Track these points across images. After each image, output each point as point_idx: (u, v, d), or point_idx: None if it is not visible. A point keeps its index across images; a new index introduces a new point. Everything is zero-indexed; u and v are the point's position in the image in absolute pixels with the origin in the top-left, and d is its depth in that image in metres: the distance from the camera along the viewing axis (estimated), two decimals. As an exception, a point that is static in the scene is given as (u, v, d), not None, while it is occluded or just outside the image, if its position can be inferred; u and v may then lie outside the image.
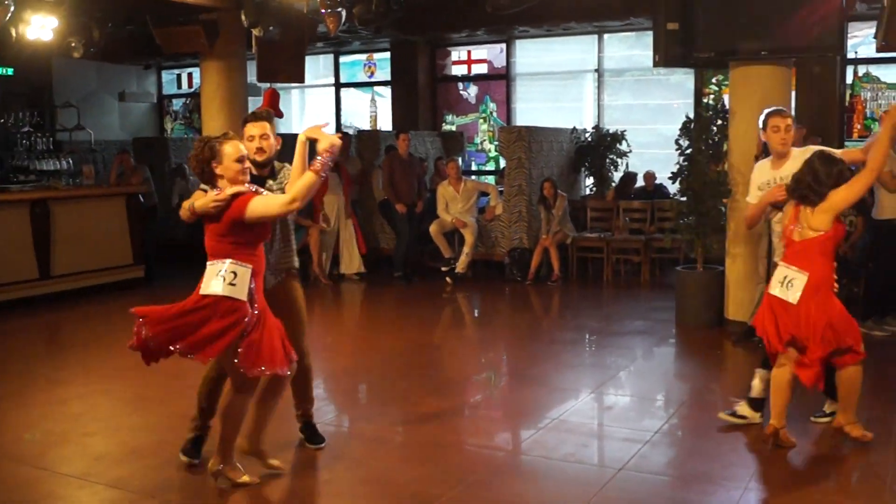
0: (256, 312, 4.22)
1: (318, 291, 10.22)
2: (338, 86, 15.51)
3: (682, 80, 12.54)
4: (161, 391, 6.19)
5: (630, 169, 11.92)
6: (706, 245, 8.07)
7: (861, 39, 11.10)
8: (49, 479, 4.65)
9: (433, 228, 10.88)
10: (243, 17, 9.43)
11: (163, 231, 12.70)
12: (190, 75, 16.91)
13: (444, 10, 12.44)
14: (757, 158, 6.43)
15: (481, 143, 14.27)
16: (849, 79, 11.34)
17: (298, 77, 10.61)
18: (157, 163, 13.32)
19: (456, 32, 13.27)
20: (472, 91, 14.31)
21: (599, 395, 6.07)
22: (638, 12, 11.40)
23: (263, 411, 4.52)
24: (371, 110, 15.32)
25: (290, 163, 4.52)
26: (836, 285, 4.74)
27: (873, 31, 9.12)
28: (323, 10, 8.83)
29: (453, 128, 14.31)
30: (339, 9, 8.81)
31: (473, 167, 14.27)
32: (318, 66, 15.48)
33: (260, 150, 4.63)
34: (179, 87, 17.33)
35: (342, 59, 15.40)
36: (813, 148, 5.10)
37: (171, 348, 4.24)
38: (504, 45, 13.84)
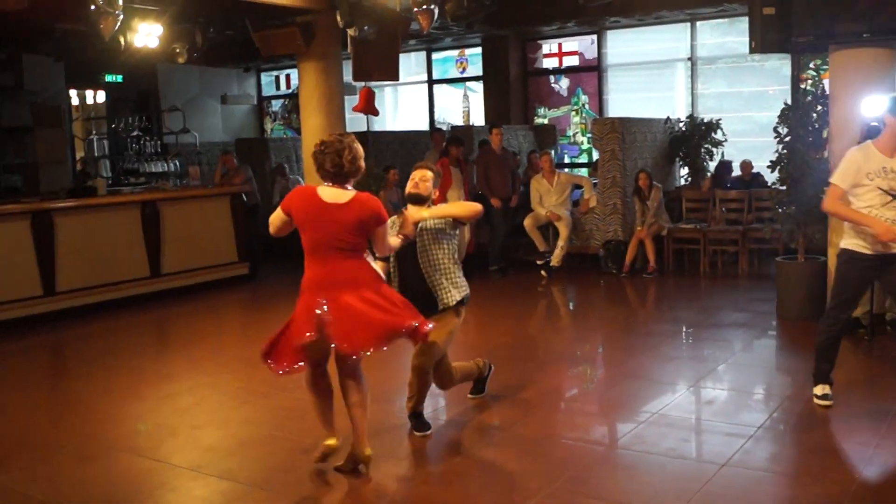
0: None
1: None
2: (430, 82, 15.56)
3: (778, 65, 12.18)
4: (265, 385, 6.29)
5: (725, 158, 11.64)
6: (807, 235, 7.80)
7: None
8: (163, 470, 4.79)
9: (527, 222, 10.81)
10: (338, 18, 9.53)
11: (265, 229, 12.96)
12: (288, 77, 17.22)
13: (535, 2, 12.34)
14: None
15: (574, 135, 14.13)
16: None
17: (393, 75, 10.66)
18: (258, 162, 13.60)
19: (546, 25, 13.15)
20: (563, 83, 14.17)
21: (698, 388, 5.94)
22: (732, -2, 11.09)
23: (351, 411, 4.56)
24: (464, 106, 15.33)
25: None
26: None
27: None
28: (415, 8, 8.84)
29: (545, 121, 14.21)
30: (432, 6, 8.80)
31: (566, 160, 14.15)
32: (410, 64, 15.57)
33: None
34: (278, 88, 17.66)
35: (434, 55, 15.45)
36: None
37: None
38: (595, 37, 13.66)
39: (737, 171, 11.34)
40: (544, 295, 9.87)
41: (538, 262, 10.78)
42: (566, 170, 13.58)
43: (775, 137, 7.94)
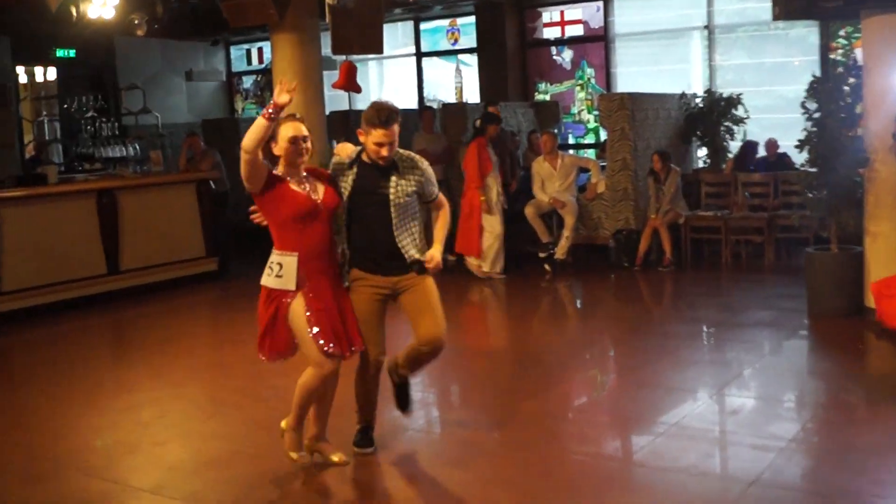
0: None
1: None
2: (419, 55, 15.49)
3: (804, 34, 12.14)
4: (237, 395, 6.25)
5: (748, 137, 11.57)
6: (840, 222, 7.74)
7: None
8: (119, 493, 4.72)
9: (528, 210, 10.72)
10: (315, -16, 9.43)
11: (236, 220, 12.86)
12: (260, 50, 17.13)
13: (535, -34, 12.26)
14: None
15: (579, 113, 14.07)
16: None
17: (376, 48, 10.56)
18: (228, 146, 13.39)
19: (548, -9, 13.09)
20: (566, 56, 14.10)
21: (722, 396, 5.89)
22: (754, -41, 11.02)
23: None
24: (456, 81, 15.26)
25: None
26: None
27: None
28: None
29: (547, 97, 14.15)
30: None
31: (571, 140, 14.09)
32: (396, 35, 15.48)
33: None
34: (249, 63, 17.57)
35: (423, 25, 15.36)
36: None
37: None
38: (601, 4, 13.60)
39: (761, 152, 11.28)
40: (548, 292, 9.82)
41: (541, 255, 10.68)
42: (570, 151, 13.50)
43: (803, 114, 7.87)
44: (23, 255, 9.08)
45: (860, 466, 4.58)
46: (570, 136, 14.10)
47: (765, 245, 10.39)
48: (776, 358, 6.90)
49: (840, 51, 11.59)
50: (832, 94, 7.71)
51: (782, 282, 9.48)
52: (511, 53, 14.16)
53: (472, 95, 14.68)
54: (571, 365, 7.05)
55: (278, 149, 4.50)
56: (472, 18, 14.54)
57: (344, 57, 10.49)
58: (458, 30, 15.08)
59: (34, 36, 13.04)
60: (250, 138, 4.28)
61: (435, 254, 4.71)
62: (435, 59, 15.49)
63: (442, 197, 4.94)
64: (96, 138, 13.87)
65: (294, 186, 4.50)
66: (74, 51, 14.70)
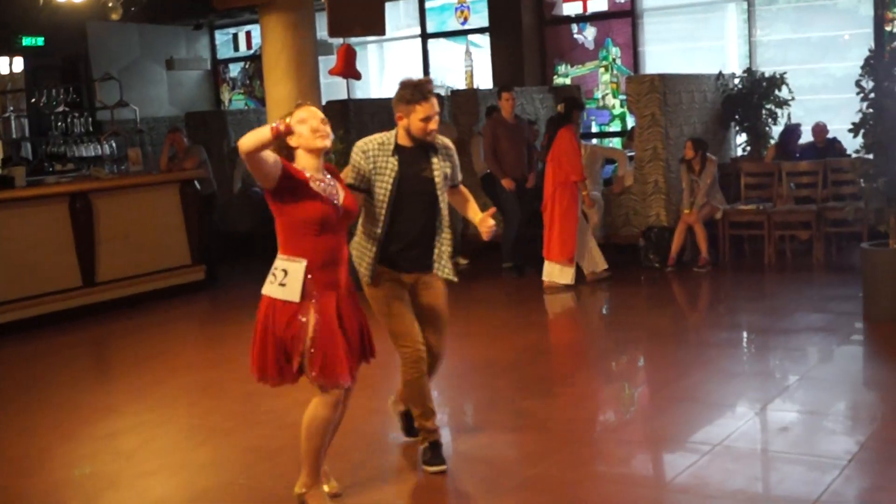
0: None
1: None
2: (424, 36, 15.48)
3: (855, 4, 12.13)
4: (229, 420, 6.24)
5: (793, 121, 11.54)
6: (900, 214, 7.71)
7: None
8: (100, 532, 4.71)
9: (549, 207, 10.71)
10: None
11: (224, 223, 12.88)
12: (248, 34, 17.15)
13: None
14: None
15: (603, 97, 14.05)
16: None
17: (377, 28, 10.56)
18: (215, 141, 13.51)
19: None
20: (588, 34, 14.08)
21: (768, 411, 5.85)
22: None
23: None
24: (466, 65, 15.24)
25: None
26: None
27: None
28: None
29: (567, 81, 14.12)
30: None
31: (594, 128, 14.06)
32: (399, 14, 15.49)
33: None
34: (237, 49, 17.58)
35: (428, 3, 15.36)
36: None
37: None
38: (627, -25, 13.58)
39: (808, 137, 11.25)
40: (571, 296, 9.77)
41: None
42: (594, 140, 13.47)
43: (858, 93, 7.85)
44: (-13, 267, 9.10)
45: (927, 488, 4.56)
46: (593, 123, 14.06)
47: (813, 241, 10.34)
48: (827, 367, 6.87)
49: (896, 21, 11.57)
50: (890, 70, 7.69)
51: (833, 282, 9.46)
52: (527, 33, 14.12)
53: (484, 80, 14.65)
54: (597, 378, 7.05)
55: (295, 138, 4.32)
56: (484, -6, 14.55)
57: (342, 40, 10.47)
58: (468, 7, 15.06)
59: (-3, 23, 13.12)
60: (248, 142, 4.07)
61: (487, 216, 5.00)
62: (442, 40, 15.48)
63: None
64: (68, 136, 13.86)
65: (314, 186, 4.31)
66: (43, 39, 14.73)
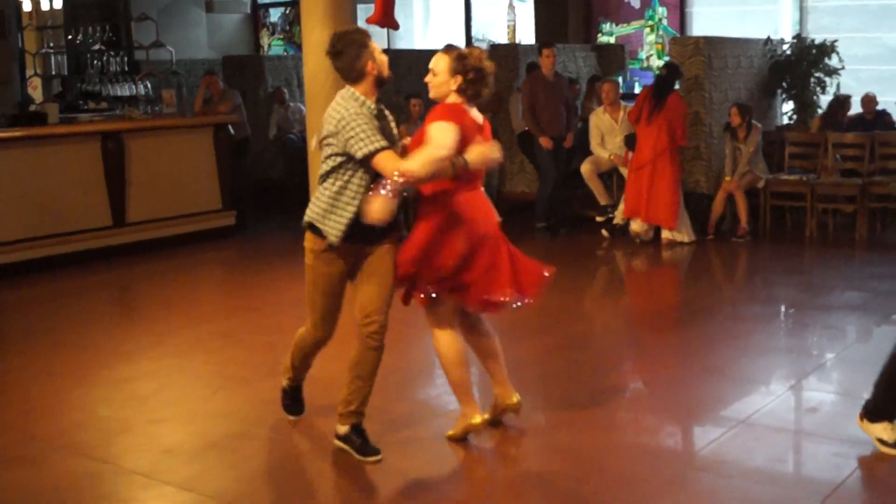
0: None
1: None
2: (468, -12, 15.34)
3: (917, -28, 11.81)
4: (245, 369, 6.24)
5: (843, 91, 11.34)
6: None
7: None
8: (110, 476, 4.73)
9: (585, 168, 10.62)
10: None
11: (257, 169, 12.87)
12: (289, -21, 17.02)
13: None
14: None
15: (647, 58, 13.90)
16: None
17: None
18: (251, 86, 13.47)
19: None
20: (636, -8, 13.89)
21: (800, 390, 5.78)
22: None
23: None
24: (509, 19, 15.15)
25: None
26: None
27: None
28: None
29: (612, 39, 14.00)
30: None
31: (637, 89, 13.85)
32: (442, -35, 15.34)
33: None
34: (278, -8, 17.49)
35: (473, -46, 15.20)
36: None
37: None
38: (679, -69, 13.34)
39: (856, 108, 11.06)
40: (604, 261, 9.73)
41: (598, 219, 10.62)
42: (636, 102, 13.32)
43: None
44: (18, 204, 9.12)
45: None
46: (636, 84, 13.89)
47: (857, 216, 10.17)
48: (864, 347, 6.76)
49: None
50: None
51: (875, 259, 9.39)
52: (573, -12, 13.98)
53: (527, 36, 14.54)
54: (625, 348, 7.00)
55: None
56: (530, -53, 14.37)
57: (381, -12, 10.33)
58: (514, -39, 14.95)
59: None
60: (425, 171, 4.38)
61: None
62: (486, -8, 15.36)
63: None
64: (104, 74, 13.89)
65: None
66: (82, -24, 14.71)
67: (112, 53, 14.01)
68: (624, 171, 10.46)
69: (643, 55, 13.91)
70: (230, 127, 11.13)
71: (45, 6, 14.78)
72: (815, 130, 10.94)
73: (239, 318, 7.77)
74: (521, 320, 7.37)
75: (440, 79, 4.64)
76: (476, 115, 4.73)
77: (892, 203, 9.79)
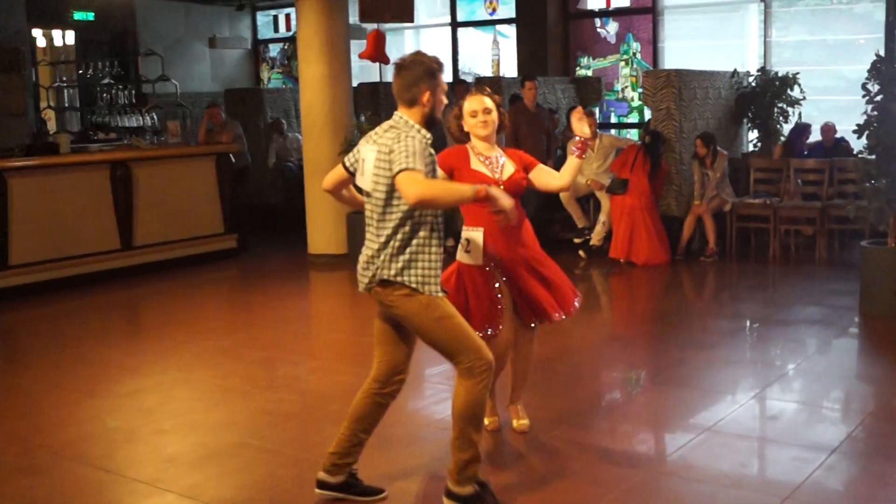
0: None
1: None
2: (454, 25, 15.36)
3: (870, 9, 11.92)
4: (245, 383, 6.22)
5: (803, 120, 11.39)
6: (899, 215, 7.57)
7: None
8: (114, 484, 4.71)
9: (564, 193, 10.60)
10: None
11: (257, 195, 12.89)
12: (288, 17, 17.10)
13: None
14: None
15: (622, 90, 13.91)
16: None
17: (407, 16, 10.48)
18: (252, 117, 13.50)
19: (593, -41, 12.92)
20: (611, 28, 13.93)
21: (761, 399, 5.77)
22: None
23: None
24: (493, 53, 15.14)
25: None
26: None
27: None
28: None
29: (589, 73, 14.01)
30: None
31: (613, 119, 13.94)
32: (429, 3, 15.35)
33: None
34: (276, 30, 17.54)
35: (459, -8, 15.23)
36: None
37: None
38: (650, -27, 13.39)
39: (816, 136, 11.07)
40: (581, 280, 9.70)
41: (576, 241, 10.60)
42: (612, 131, 13.34)
43: (864, 96, 7.68)
44: (31, 228, 9.13)
45: (908, 482, 4.47)
46: (612, 114, 13.95)
47: (816, 237, 10.20)
48: (823, 359, 6.76)
49: (907, 28, 11.35)
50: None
51: (834, 277, 9.34)
52: (552, 25, 13.98)
53: (510, 69, 14.53)
54: (600, 360, 6.97)
55: (466, 125, 4.80)
56: (512, -13, 14.41)
57: (373, 25, 10.39)
58: (497, -2, 14.98)
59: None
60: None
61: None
62: (471, 29, 15.36)
63: None
64: (113, 106, 13.92)
65: (475, 164, 4.73)
66: (93, 14, 14.73)
67: (121, 87, 14.05)
68: (600, 196, 10.48)
69: (618, 87, 13.94)
70: (231, 156, 11.16)
71: (58, 42, 14.80)
72: (777, 157, 10.96)
73: (240, 334, 7.76)
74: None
75: (494, 115, 4.82)
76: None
77: (849, 225, 9.78)
